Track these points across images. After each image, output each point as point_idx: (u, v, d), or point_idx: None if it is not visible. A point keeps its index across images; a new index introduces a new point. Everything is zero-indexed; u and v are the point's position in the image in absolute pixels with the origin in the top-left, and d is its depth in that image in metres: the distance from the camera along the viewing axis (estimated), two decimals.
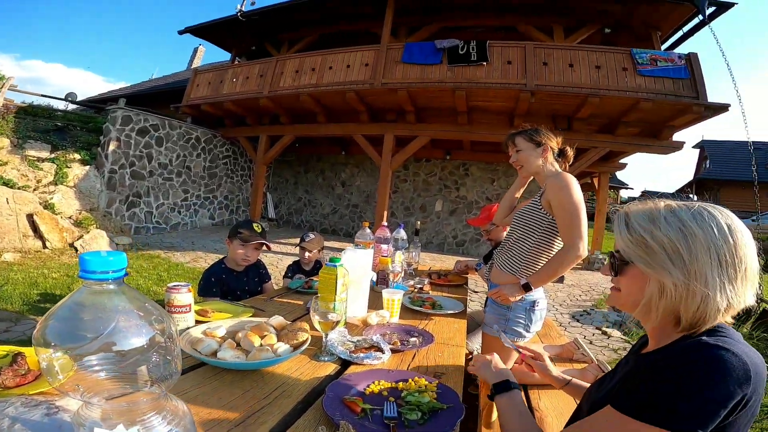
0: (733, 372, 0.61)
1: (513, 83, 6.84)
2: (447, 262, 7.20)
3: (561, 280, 6.93)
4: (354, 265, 1.49)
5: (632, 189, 29.57)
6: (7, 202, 5.95)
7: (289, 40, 10.05)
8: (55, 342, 0.42)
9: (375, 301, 1.75)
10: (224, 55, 11.68)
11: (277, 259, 6.90)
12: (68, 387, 0.42)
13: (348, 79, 7.81)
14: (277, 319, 1.28)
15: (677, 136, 7.28)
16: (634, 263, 0.74)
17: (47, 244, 6.13)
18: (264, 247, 2.33)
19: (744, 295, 0.69)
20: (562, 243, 1.70)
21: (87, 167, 7.63)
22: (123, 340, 0.43)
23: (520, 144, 1.85)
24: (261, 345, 1.08)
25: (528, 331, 1.81)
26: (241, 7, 9.43)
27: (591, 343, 4.05)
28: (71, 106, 10.75)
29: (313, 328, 1.18)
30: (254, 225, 2.30)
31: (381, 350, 1.21)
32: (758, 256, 0.71)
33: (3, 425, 0.56)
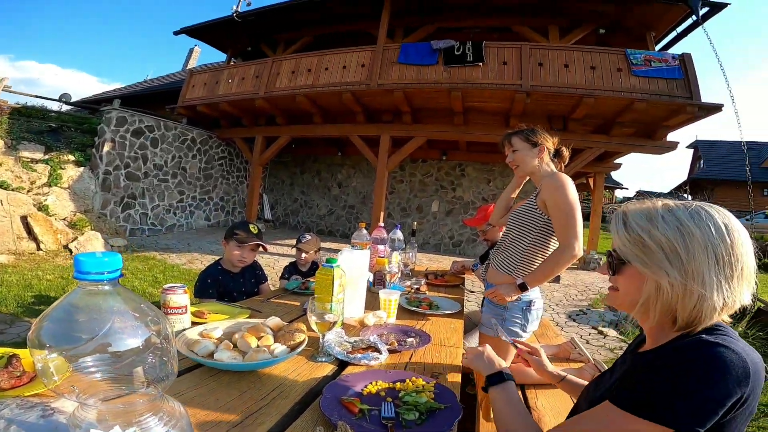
0: (732, 370, 0.61)
1: (509, 84, 6.86)
2: (444, 263, 7.21)
3: (557, 279, 6.95)
4: (351, 266, 1.49)
5: (627, 189, 29.78)
6: (1, 204, 5.91)
7: (285, 40, 10.05)
8: (50, 343, 0.42)
9: (372, 302, 1.75)
10: (220, 56, 11.65)
11: (274, 261, 6.89)
12: (64, 388, 0.42)
13: (344, 79, 7.81)
14: (274, 320, 1.27)
15: (671, 137, 7.34)
16: (631, 263, 0.75)
17: (41, 245, 6.08)
18: (260, 249, 2.33)
19: (740, 294, 0.69)
20: (557, 243, 1.71)
21: (81, 168, 7.58)
22: (118, 341, 0.43)
23: (517, 144, 1.86)
24: (258, 346, 1.08)
25: (525, 331, 1.81)
26: (237, 7, 9.41)
27: (587, 342, 4.06)
28: (65, 107, 10.69)
29: (310, 328, 1.18)
30: (250, 226, 2.29)
31: (378, 351, 1.21)
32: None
33: None
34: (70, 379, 0.42)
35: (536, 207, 1.76)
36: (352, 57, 7.91)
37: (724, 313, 0.69)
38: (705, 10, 6.78)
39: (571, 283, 6.99)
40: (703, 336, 0.68)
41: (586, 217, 5.92)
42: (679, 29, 7.60)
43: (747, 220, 12.22)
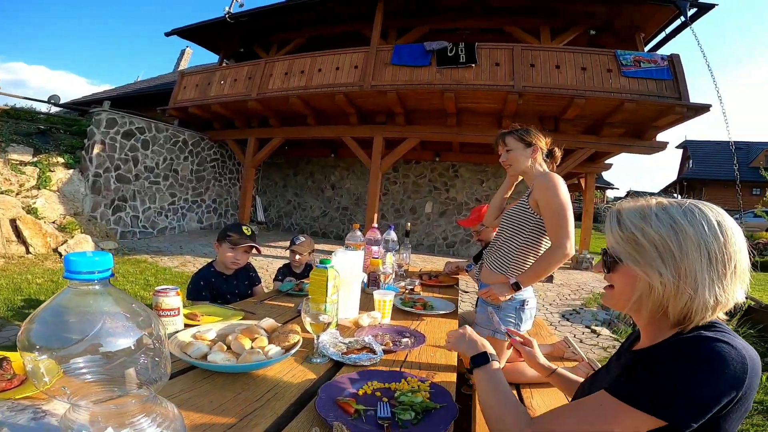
0: (731, 365, 0.62)
1: (501, 85, 6.90)
2: (437, 264, 7.22)
3: (550, 279, 6.99)
4: (345, 267, 1.49)
5: (618, 189, 30.11)
6: None
7: (278, 42, 10.01)
8: (39, 344, 0.41)
9: (366, 303, 1.75)
10: (212, 57, 11.56)
11: (267, 263, 6.85)
12: (55, 390, 0.41)
13: (337, 81, 7.80)
14: (268, 322, 1.26)
15: (661, 137, 7.42)
16: (624, 261, 0.75)
17: (31, 249, 5.99)
18: (254, 250, 2.31)
19: (733, 292, 0.69)
20: (549, 242, 1.72)
21: (71, 171, 7.49)
22: (110, 341, 0.42)
23: (511, 143, 1.87)
24: (252, 348, 1.07)
25: (518, 330, 1.82)
26: (230, 8, 9.36)
27: (581, 341, 4.09)
28: (54, 109, 10.57)
29: (304, 330, 1.17)
30: (243, 228, 2.28)
31: (373, 351, 1.21)
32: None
33: None
34: (61, 381, 0.41)
35: (528, 207, 1.77)
36: (345, 58, 7.90)
37: (719, 310, 0.69)
38: (693, 11, 6.87)
39: (564, 283, 7.04)
40: (702, 332, 0.68)
41: (577, 217, 5.96)
42: (668, 30, 7.70)
43: (736, 219, 12.39)
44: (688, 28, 6.98)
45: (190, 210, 9.94)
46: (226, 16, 9.18)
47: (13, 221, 6.01)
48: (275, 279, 2.82)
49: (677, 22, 7.32)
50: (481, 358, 0.97)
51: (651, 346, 0.74)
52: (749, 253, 0.71)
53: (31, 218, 6.23)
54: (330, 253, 1.47)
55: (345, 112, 8.17)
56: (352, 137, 8.35)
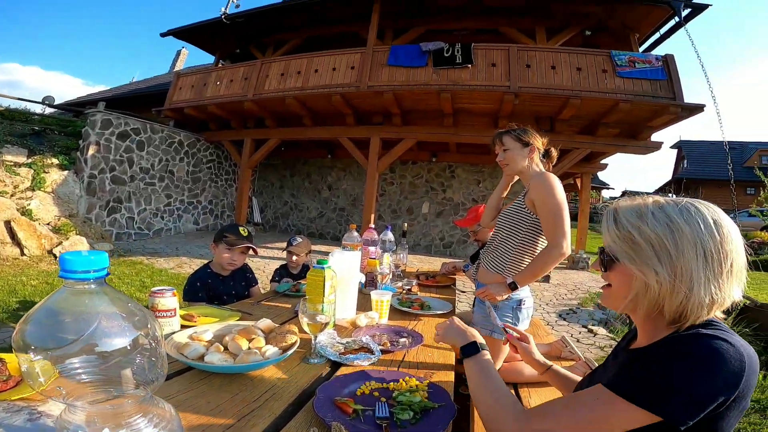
0: (729, 362, 0.62)
1: (497, 85, 6.92)
2: (434, 264, 7.22)
3: (547, 279, 7.01)
4: (342, 267, 1.49)
5: (613, 189, 30.29)
6: None
7: (275, 42, 10.00)
8: (34, 344, 0.41)
9: (364, 303, 1.74)
10: (207, 58, 11.54)
11: (264, 264, 6.83)
12: (50, 391, 0.41)
13: (334, 82, 7.80)
14: (265, 322, 1.26)
15: (655, 137, 7.47)
16: (620, 260, 0.75)
17: (25, 251, 5.95)
18: (250, 251, 2.30)
19: (729, 290, 0.69)
20: (545, 242, 1.72)
21: (65, 172, 7.44)
22: (105, 341, 0.42)
23: (508, 143, 1.87)
24: (249, 348, 1.07)
25: None
26: (226, 9, 9.34)
27: (578, 341, 4.10)
28: (49, 110, 10.48)
29: (302, 330, 1.17)
30: (240, 229, 2.27)
31: (371, 351, 1.21)
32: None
33: None
34: (56, 382, 0.41)
35: (525, 206, 1.78)
36: (341, 59, 7.90)
37: (715, 309, 0.69)
38: (687, 11, 6.92)
39: (561, 283, 7.06)
40: (700, 329, 0.68)
41: (573, 217, 5.98)
42: (662, 30, 7.75)
43: (731, 218, 12.49)
44: (683, 28, 7.03)
45: (186, 211, 9.90)
46: (222, 16, 9.15)
47: (7, 223, 5.96)
48: (272, 280, 2.81)
49: (671, 23, 7.36)
50: (471, 348, 0.95)
51: (648, 344, 0.74)
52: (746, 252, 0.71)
53: (25, 220, 6.18)
54: (327, 254, 1.46)
55: (342, 112, 8.16)
56: (348, 138, 8.35)
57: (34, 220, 6.39)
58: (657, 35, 7.91)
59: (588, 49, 7.18)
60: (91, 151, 7.68)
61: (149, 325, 0.46)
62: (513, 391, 1.55)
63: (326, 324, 1.15)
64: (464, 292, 5.31)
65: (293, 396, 0.92)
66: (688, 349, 0.64)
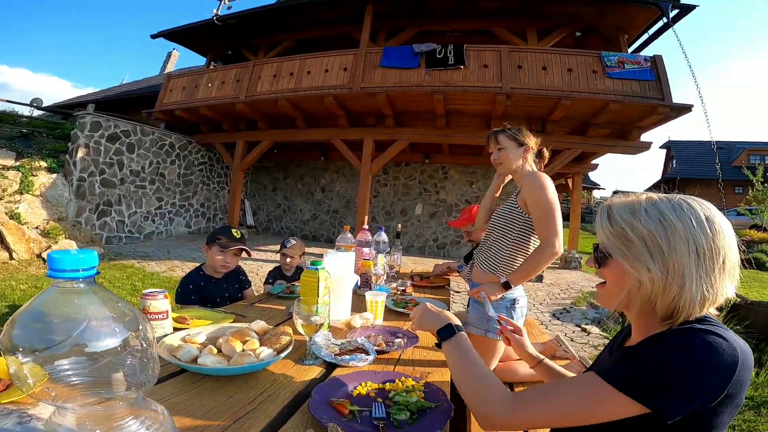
0: (722, 357, 0.62)
1: (489, 86, 6.96)
2: (428, 265, 7.21)
3: (540, 278, 7.05)
4: (336, 269, 1.48)
5: (604, 189, 30.61)
6: None
7: (267, 44, 9.97)
8: (22, 346, 0.39)
9: (358, 305, 1.74)
10: (199, 60, 11.46)
11: (257, 267, 6.79)
12: (40, 393, 0.39)
13: (326, 83, 7.79)
14: (259, 324, 1.24)
15: (645, 137, 7.55)
16: (613, 256, 0.75)
17: (14, 255, 5.85)
18: (243, 253, 2.28)
19: (722, 287, 0.69)
20: (538, 241, 1.73)
21: (54, 175, 7.34)
22: (95, 341, 0.41)
23: (504, 142, 1.87)
24: (243, 350, 1.05)
25: None
26: (217, 11, 9.30)
27: (572, 340, 4.12)
28: (37, 112, 10.36)
29: (296, 332, 1.16)
30: (233, 231, 2.25)
31: (366, 352, 1.20)
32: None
33: None
34: (46, 383, 0.39)
35: (517, 206, 1.78)
36: (334, 60, 7.90)
37: (708, 305, 0.69)
38: (675, 12, 7.02)
39: (554, 282, 7.10)
40: (694, 324, 0.68)
41: (565, 217, 6.02)
42: (651, 31, 7.85)
43: None
44: (671, 29, 7.13)
45: (177, 214, 9.81)
46: (214, 18, 9.11)
47: None
48: (266, 282, 2.79)
49: (660, 24, 7.46)
50: (447, 330, 0.93)
51: (642, 341, 0.74)
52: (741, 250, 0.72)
53: (14, 224, 6.08)
54: (321, 256, 1.45)
55: (334, 114, 8.15)
56: (341, 139, 8.34)
57: (22, 224, 6.29)
58: (645, 36, 8.02)
59: (578, 50, 7.26)
60: (80, 154, 7.58)
61: (140, 326, 0.45)
62: (509, 390, 1.55)
63: (321, 325, 1.14)
64: (458, 292, 5.32)
65: (289, 398, 0.91)
66: (681, 343, 0.64)
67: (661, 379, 0.62)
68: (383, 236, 2.54)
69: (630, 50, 8.16)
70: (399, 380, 1.01)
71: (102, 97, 14.07)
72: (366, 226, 2.52)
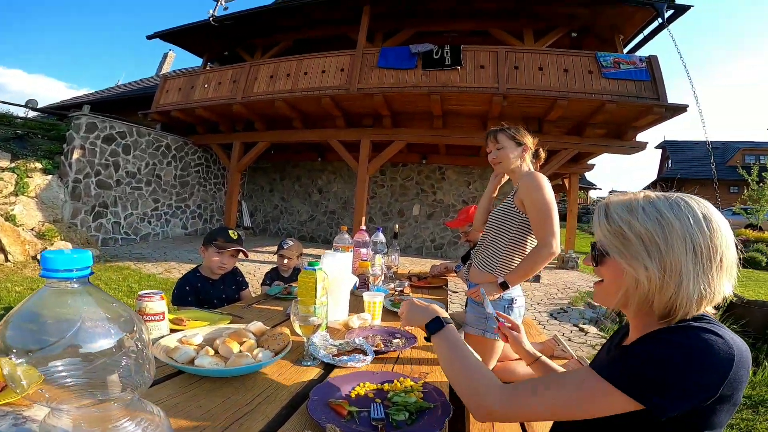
0: (717, 354, 0.61)
1: (486, 87, 6.97)
2: (426, 266, 7.22)
3: (537, 279, 7.06)
4: (333, 269, 1.47)
5: (600, 189, 30.70)
6: None
7: (264, 45, 9.95)
8: (15, 346, 0.39)
9: (356, 305, 1.73)
10: (195, 61, 11.42)
11: (255, 268, 6.77)
12: (34, 395, 0.39)
13: (323, 84, 7.78)
14: (256, 325, 1.24)
15: (640, 137, 7.58)
16: (610, 255, 0.75)
17: (9, 257, 5.81)
18: (240, 254, 2.27)
19: (720, 286, 0.69)
20: (534, 241, 1.73)
21: (49, 177, 7.29)
22: (89, 342, 0.40)
23: (503, 141, 1.87)
24: (240, 351, 1.05)
25: None
26: (214, 11, 9.27)
27: (569, 339, 4.13)
28: (32, 113, 10.30)
29: (294, 333, 1.15)
30: (230, 232, 2.24)
31: (364, 352, 1.20)
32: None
33: None
34: (40, 385, 0.39)
35: (514, 206, 1.78)
36: (331, 61, 7.89)
37: (705, 304, 0.69)
38: (670, 12, 7.05)
39: (551, 282, 7.11)
40: (691, 322, 0.68)
41: (562, 217, 6.02)
42: (646, 32, 7.89)
43: None
44: (666, 29, 7.16)
45: (174, 216, 9.77)
46: (211, 19, 9.08)
47: None
48: (263, 283, 2.78)
49: (655, 24, 7.50)
50: (435, 324, 0.93)
51: (639, 338, 0.74)
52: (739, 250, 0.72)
53: (9, 225, 6.04)
54: (318, 257, 1.45)
55: (331, 115, 8.14)
56: (338, 140, 8.33)
57: (17, 226, 6.25)
58: (641, 36, 8.06)
59: (574, 51, 7.28)
60: (75, 155, 7.54)
61: (135, 326, 0.44)
62: None
63: (318, 326, 1.14)
64: (456, 292, 5.32)
65: (286, 399, 0.90)
66: (678, 341, 0.64)
67: (658, 377, 0.62)
68: (381, 237, 2.54)
69: (626, 50, 8.19)
70: (397, 381, 1.01)
71: (98, 98, 14.01)
72: (363, 227, 2.51)
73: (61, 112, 10.66)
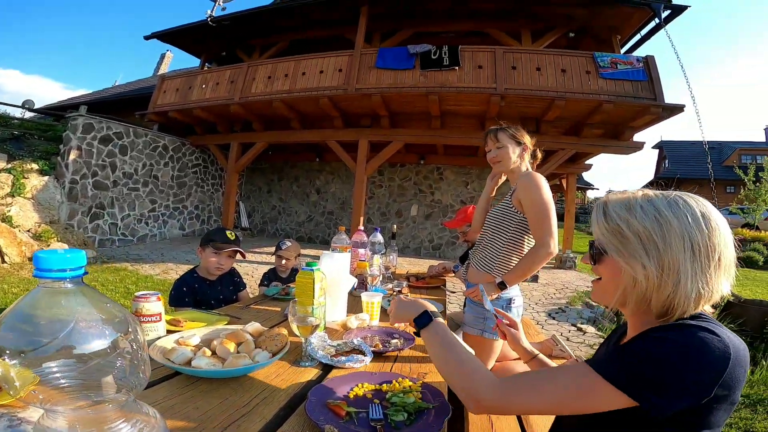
0: (713, 353, 0.61)
1: (484, 87, 6.98)
2: (424, 266, 7.21)
3: (535, 279, 7.07)
4: (331, 270, 1.47)
5: (598, 189, 30.75)
6: None
7: (261, 45, 9.93)
8: (8, 347, 0.38)
9: (354, 306, 1.73)
10: (193, 62, 11.41)
11: (252, 269, 6.75)
12: (28, 397, 0.38)
13: (321, 84, 7.78)
14: (254, 326, 1.23)
15: (637, 137, 7.60)
16: (609, 253, 0.75)
17: (6, 258, 5.78)
18: (238, 255, 2.27)
19: (717, 285, 0.69)
20: (532, 241, 1.73)
21: (46, 178, 7.26)
22: (83, 343, 0.39)
23: (503, 140, 1.87)
24: (238, 352, 1.04)
25: None
26: (212, 12, 9.25)
27: (568, 339, 4.13)
28: (28, 114, 10.26)
29: (292, 333, 1.15)
30: (227, 232, 2.24)
31: (362, 353, 1.19)
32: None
33: None
34: (34, 387, 0.38)
35: (512, 206, 1.78)
36: (329, 62, 7.89)
37: (703, 303, 0.69)
38: (667, 12, 7.08)
39: (549, 282, 7.12)
40: (687, 321, 0.68)
41: (560, 217, 6.04)
42: (643, 32, 7.91)
43: None
44: (663, 29, 7.19)
45: (171, 217, 9.74)
46: (208, 19, 9.07)
47: None
48: (261, 284, 2.77)
49: (652, 24, 7.53)
50: (424, 318, 0.93)
51: (635, 336, 0.74)
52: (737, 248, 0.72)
53: (5, 227, 6.01)
54: (316, 257, 1.44)
55: (329, 115, 8.14)
56: (336, 141, 8.32)
57: (14, 227, 6.22)
58: (638, 37, 8.08)
59: (572, 51, 7.29)
60: (72, 156, 7.51)
61: (130, 327, 0.44)
62: None
63: (316, 326, 1.13)
64: (454, 292, 5.32)
65: (284, 400, 0.90)
66: (674, 339, 0.64)
67: (656, 376, 0.61)
68: (379, 237, 2.53)
69: (623, 51, 8.22)
70: (396, 381, 1.00)
71: (94, 99, 13.97)
72: (361, 228, 2.51)
73: (58, 112, 10.62)
